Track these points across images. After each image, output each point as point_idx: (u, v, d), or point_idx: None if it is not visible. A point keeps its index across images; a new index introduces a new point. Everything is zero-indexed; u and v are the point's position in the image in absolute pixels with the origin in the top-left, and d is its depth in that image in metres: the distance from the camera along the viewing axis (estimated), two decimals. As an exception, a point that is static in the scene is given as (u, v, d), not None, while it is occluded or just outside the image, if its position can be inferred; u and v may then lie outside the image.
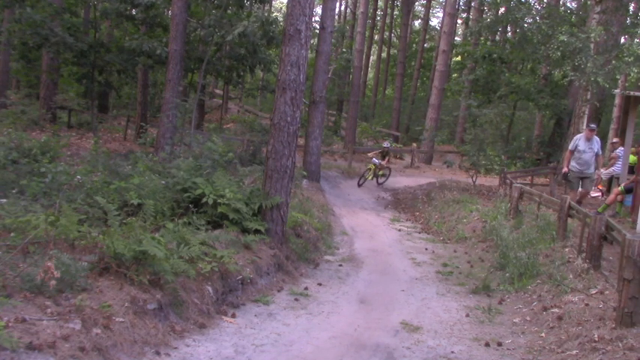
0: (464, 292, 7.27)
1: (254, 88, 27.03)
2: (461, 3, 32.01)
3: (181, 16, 13.46)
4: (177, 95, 13.61)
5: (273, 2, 34.65)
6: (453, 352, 5.12)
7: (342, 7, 39.66)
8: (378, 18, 39.64)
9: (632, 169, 11.30)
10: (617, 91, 15.49)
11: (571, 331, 5.21)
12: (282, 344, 5.02)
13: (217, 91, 33.31)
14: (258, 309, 5.93)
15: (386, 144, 17.75)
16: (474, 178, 16.21)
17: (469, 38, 25.94)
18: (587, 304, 5.70)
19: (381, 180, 17.03)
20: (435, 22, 45.42)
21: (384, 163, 16.76)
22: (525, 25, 14.05)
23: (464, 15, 34.84)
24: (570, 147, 10.19)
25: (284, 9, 31.00)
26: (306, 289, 6.88)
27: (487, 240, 9.96)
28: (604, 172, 12.47)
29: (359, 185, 16.37)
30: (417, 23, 43.68)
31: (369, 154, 17.78)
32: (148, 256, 4.90)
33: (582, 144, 9.99)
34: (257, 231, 7.36)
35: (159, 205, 6.91)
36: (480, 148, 15.88)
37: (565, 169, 10.26)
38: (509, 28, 27.73)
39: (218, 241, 6.50)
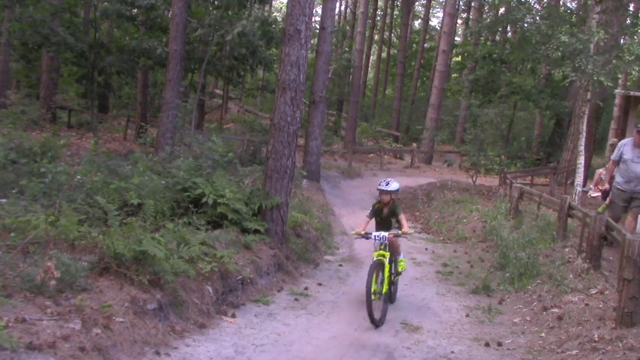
0: (464, 292, 7.27)
1: (254, 88, 27.03)
2: (461, 3, 32.02)
3: (181, 17, 13.46)
4: (177, 95, 13.60)
5: (273, 2, 34.63)
6: (452, 352, 5.12)
7: (342, 7, 39.67)
8: (378, 18, 39.63)
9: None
10: (617, 91, 15.49)
11: (571, 331, 5.21)
12: (282, 344, 5.02)
13: (217, 91, 33.31)
14: (258, 309, 5.93)
15: (386, 185, 6.45)
16: (474, 178, 16.22)
17: (469, 38, 25.98)
18: (587, 304, 5.69)
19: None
20: (435, 22, 45.44)
21: (404, 230, 6.27)
22: (525, 26, 14.06)
23: (464, 15, 34.87)
24: (613, 157, 7.75)
25: (284, 9, 30.99)
26: (306, 289, 6.88)
27: (487, 240, 9.96)
28: (604, 173, 12.46)
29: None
30: (417, 23, 43.68)
31: (356, 231, 6.47)
32: (148, 256, 4.90)
33: (629, 151, 7.43)
34: (257, 231, 7.36)
35: (159, 205, 6.91)
36: (480, 148, 15.90)
37: (606, 186, 8.28)
38: (509, 29, 27.73)
39: (218, 241, 6.50)
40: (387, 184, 6.45)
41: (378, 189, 6.60)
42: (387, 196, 6.47)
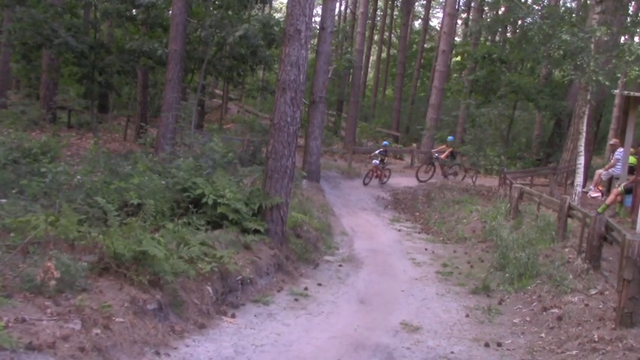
0: (464, 293, 7.27)
1: (254, 89, 27.01)
2: (461, 3, 32.03)
3: (181, 17, 13.46)
4: (177, 95, 13.59)
5: (273, 2, 34.62)
6: (452, 352, 5.12)
7: (342, 8, 39.66)
8: (378, 18, 39.60)
9: (631, 170, 11.29)
10: (617, 91, 15.46)
11: (571, 332, 5.21)
12: (282, 344, 5.02)
13: (217, 92, 33.29)
14: (258, 309, 5.93)
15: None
16: (473, 179, 16.21)
17: (469, 38, 25.96)
18: (586, 305, 5.70)
19: None
20: (435, 22, 45.39)
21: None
22: (525, 25, 14.05)
23: (464, 15, 34.87)
24: None
25: (284, 9, 31.00)
26: (305, 289, 6.88)
27: (487, 240, 9.96)
28: (604, 173, 12.47)
29: None
30: (417, 23, 43.65)
31: None
32: (148, 256, 4.90)
33: None
34: (257, 231, 7.37)
35: (159, 205, 6.91)
36: (479, 148, 15.89)
37: None
38: (508, 28, 27.73)
39: (218, 242, 6.50)
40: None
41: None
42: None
